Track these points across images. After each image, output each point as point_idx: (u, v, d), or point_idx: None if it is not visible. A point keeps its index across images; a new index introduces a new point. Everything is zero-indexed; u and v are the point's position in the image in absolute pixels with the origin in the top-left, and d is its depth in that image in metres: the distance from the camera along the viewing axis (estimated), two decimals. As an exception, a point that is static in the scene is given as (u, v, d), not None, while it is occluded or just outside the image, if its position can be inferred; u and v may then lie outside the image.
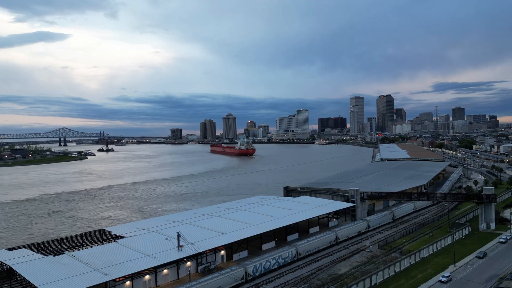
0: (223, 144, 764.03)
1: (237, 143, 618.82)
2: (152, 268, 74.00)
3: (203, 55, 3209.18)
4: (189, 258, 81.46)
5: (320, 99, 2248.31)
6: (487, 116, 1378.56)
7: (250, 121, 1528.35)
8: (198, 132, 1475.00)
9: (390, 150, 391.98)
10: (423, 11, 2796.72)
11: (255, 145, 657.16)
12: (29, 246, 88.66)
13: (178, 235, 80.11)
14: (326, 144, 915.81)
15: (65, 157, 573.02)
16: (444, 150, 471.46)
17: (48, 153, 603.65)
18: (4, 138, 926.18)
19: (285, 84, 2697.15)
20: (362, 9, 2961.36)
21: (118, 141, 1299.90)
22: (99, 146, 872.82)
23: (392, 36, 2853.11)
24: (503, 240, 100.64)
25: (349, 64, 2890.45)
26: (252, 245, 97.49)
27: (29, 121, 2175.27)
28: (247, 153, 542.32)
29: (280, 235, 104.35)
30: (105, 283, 66.87)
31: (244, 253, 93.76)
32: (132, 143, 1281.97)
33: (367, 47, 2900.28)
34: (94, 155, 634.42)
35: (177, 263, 80.00)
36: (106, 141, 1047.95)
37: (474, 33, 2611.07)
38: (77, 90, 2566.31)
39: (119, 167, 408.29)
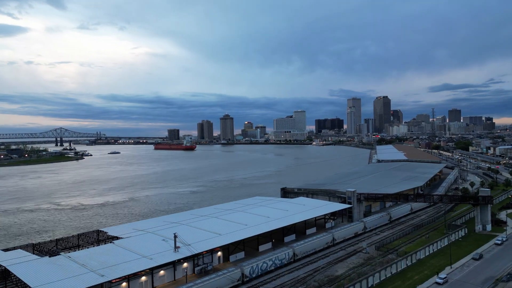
0: (170, 143, 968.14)
1: (183, 142, 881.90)
2: (148, 269, 73.82)
3: (176, 50, 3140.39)
4: (185, 259, 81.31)
5: (311, 100, 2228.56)
6: (483, 118, 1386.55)
7: (248, 122, 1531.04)
8: (195, 133, 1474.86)
9: (387, 152, 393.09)
10: (401, 6, 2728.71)
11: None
12: (25, 247, 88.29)
13: (175, 236, 79.93)
14: (323, 145, 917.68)
15: (61, 157, 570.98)
16: (441, 151, 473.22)
17: (44, 153, 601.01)
18: (0, 138, 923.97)
19: (269, 83, 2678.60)
20: (329, 3, 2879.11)
21: (115, 141, 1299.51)
22: (95, 147, 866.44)
23: (371, 33, 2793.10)
24: (499, 242, 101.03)
25: (331, 63, 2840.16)
26: (249, 246, 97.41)
27: (22, 121, 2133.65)
28: (191, 148, 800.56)
29: (277, 236, 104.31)
30: (101, 284, 66.53)
31: (241, 254, 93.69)
32: (129, 143, 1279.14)
33: (344, 44, 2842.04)
34: (91, 155, 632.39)
35: (174, 264, 79.81)
36: (102, 141, 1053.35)
37: (460, 31, 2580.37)
38: (55, 88, 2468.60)
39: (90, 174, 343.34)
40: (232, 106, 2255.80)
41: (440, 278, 77.58)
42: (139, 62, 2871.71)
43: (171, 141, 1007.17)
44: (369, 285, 75.77)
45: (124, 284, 71.74)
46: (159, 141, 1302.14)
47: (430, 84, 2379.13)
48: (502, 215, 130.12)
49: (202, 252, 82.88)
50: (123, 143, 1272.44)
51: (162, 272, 78.35)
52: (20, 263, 72.22)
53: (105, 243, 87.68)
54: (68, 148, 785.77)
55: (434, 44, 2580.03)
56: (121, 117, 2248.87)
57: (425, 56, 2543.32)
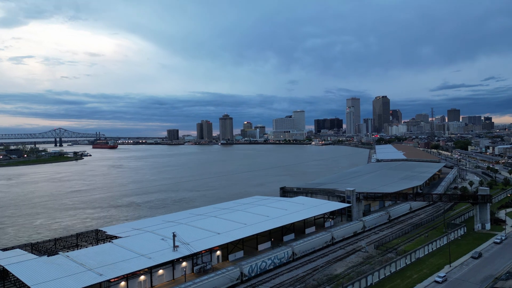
0: (101, 143, 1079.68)
1: (108, 142, 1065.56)
2: (147, 268, 73.57)
3: (144, 44, 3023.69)
4: (184, 258, 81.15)
5: (307, 99, 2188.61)
6: (482, 118, 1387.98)
7: (247, 122, 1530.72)
8: (194, 133, 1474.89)
9: (386, 151, 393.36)
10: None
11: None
12: (23, 247, 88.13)
13: (174, 235, 79.77)
14: (322, 145, 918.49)
15: (60, 157, 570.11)
16: (440, 151, 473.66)
17: (43, 153, 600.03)
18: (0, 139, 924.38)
19: (258, 81, 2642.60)
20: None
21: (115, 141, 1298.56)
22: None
23: (348, 27, 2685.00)
24: (498, 241, 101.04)
25: (309, 61, 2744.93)
26: (248, 245, 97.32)
27: (16, 122, 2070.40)
28: (113, 147, 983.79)
29: (276, 236, 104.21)
30: (100, 283, 66.40)
31: (240, 254, 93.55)
32: (128, 143, 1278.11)
33: (318, 39, 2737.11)
34: (90, 155, 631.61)
35: (173, 263, 79.64)
36: (102, 141, 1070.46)
37: (446, 25, 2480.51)
38: (30, 87, 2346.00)
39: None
40: (225, 105, 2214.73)
41: (439, 277, 77.51)
42: (112, 58, 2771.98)
43: (107, 142, 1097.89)
44: (368, 284, 75.67)
45: (122, 283, 71.54)
46: (158, 141, 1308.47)
47: (425, 83, 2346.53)
48: (501, 214, 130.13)
49: (201, 251, 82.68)
50: (122, 143, 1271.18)
51: (161, 271, 78.16)
52: (18, 263, 71.94)
53: (103, 242, 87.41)
54: (33, 148, 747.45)
55: (420, 40, 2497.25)
56: (114, 116, 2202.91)
57: (412, 53, 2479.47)
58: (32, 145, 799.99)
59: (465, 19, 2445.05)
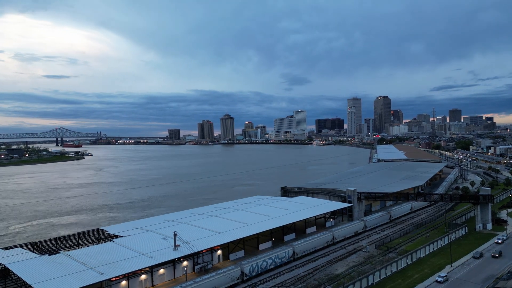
0: (71, 143, 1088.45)
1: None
2: (148, 267, 73.65)
3: (117, 38, 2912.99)
4: (185, 257, 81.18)
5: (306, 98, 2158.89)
6: (483, 118, 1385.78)
7: (248, 122, 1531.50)
8: (195, 133, 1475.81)
9: (387, 151, 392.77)
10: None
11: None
12: (25, 245, 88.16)
13: (175, 235, 79.84)
14: (323, 145, 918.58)
15: (62, 157, 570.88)
16: (441, 151, 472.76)
17: (45, 153, 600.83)
18: (1, 138, 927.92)
19: (240, 79, 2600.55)
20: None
21: (116, 141, 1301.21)
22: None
23: (330, 21, 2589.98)
24: (499, 241, 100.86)
25: (294, 59, 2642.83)
26: (248, 245, 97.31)
27: (15, 121, 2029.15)
28: (78, 146, 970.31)
29: (277, 235, 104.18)
30: (101, 282, 66.50)
31: (241, 253, 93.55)
32: (129, 143, 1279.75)
33: (299, 35, 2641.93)
34: (92, 155, 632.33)
35: (174, 262, 79.68)
36: (103, 141, 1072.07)
37: (437, 21, 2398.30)
38: (10, 84, 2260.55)
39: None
40: (222, 104, 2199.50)
41: (440, 277, 77.41)
42: (92, 55, 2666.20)
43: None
44: (369, 284, 75.61)
45: (123, 282, 71.60)
46: (159, 141, 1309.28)
47: (425, 83, 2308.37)
48: (503, 214, 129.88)
49: (202, 251, 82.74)
50: (124, 143, 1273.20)
51: (162, 270, 78.21)
52: (19, 261, 72.08)
53: (105, 242, 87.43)
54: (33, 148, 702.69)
55: (411, 37, 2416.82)
56: (111, 116, 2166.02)
57: (404, 50, 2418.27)
58: (35, 145, 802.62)
59: (458, 15, 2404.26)
